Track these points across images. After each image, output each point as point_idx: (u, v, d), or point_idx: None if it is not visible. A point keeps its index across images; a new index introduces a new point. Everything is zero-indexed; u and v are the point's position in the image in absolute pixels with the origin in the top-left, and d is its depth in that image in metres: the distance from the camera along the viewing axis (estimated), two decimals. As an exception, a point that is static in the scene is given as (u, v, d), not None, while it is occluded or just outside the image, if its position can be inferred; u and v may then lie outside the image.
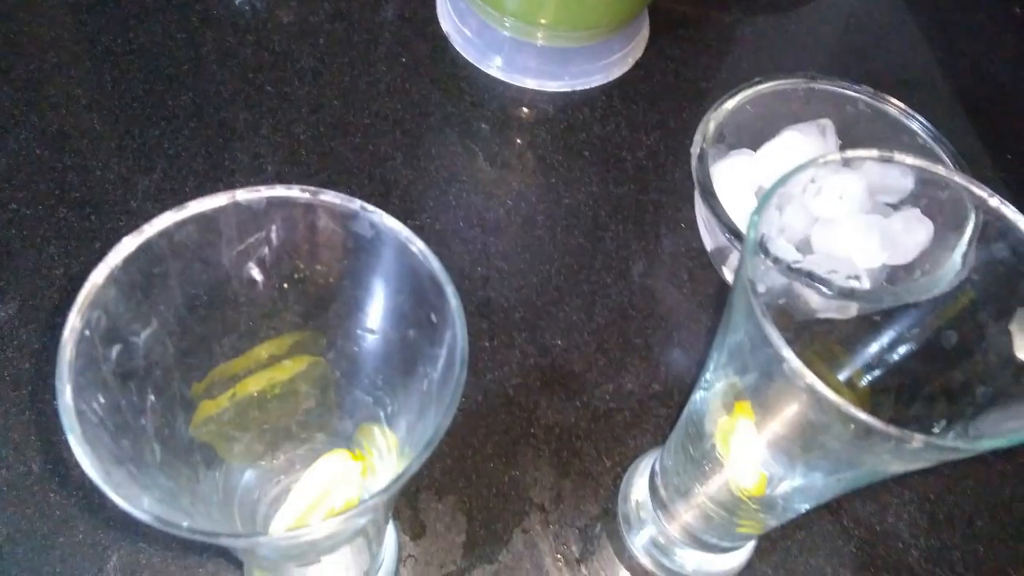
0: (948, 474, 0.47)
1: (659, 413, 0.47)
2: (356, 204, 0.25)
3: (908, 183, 0.33)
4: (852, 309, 0.37)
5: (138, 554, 0.40)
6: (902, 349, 0.32)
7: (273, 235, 0.26)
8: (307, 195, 0.25)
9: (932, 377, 0.31)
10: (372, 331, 0.28)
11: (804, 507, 0.35)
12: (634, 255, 0.52)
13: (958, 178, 0.29)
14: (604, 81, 0.59)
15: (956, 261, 0.34)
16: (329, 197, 0.25)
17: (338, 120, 0.54)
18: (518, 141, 0.56)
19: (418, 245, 0.25)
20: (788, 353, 0.24)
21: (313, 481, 0.30)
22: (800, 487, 0.34)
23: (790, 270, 0.35)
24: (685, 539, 0.41)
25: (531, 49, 0.57)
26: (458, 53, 0.58)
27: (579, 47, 0.57)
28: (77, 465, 0.41)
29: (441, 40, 0.59)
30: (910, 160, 0.29)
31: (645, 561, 0.42)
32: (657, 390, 0.47)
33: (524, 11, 0.55)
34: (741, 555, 0.43)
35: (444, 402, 0.22)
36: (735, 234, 0.45)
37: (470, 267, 0.50)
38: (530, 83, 0.58)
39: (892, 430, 0.23)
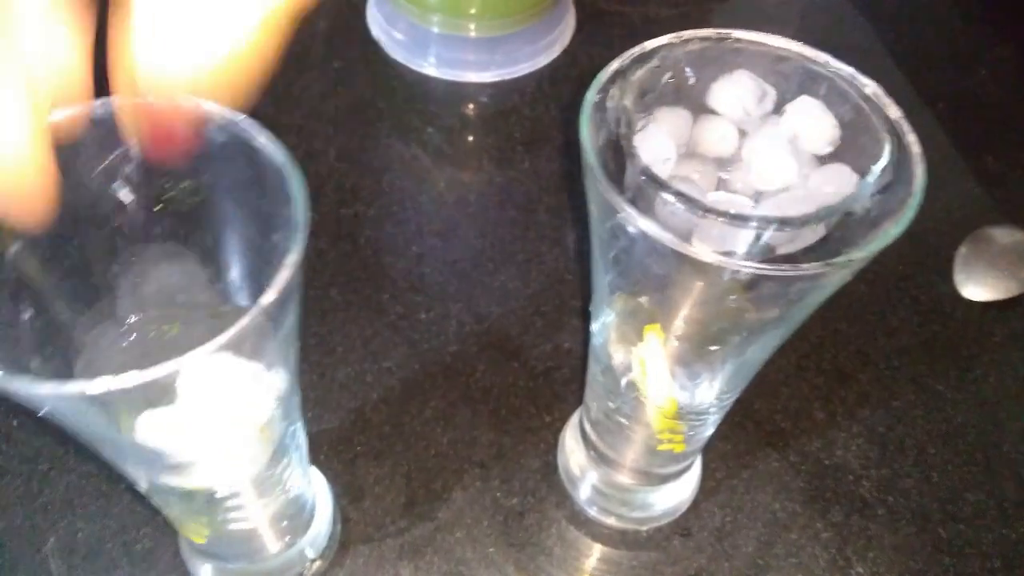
0: (896, 406, 0.47)
1: (597, 367, 0.47)
2: (204, 107, 0.26)
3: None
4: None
5: (75, 534, 0.40)
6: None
7: (132, 151, 0.27)
8: (159, 103, 0.26)
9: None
10: (244, 244, 0.29)
11: (714, 412, 0.35)
12: (568, 224, 0.53)
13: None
14: (532, 69, 0.60)
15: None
16: (178, 101, 0.26)
17: (270, 123, 0.55)
18: (450, 129, 0.58)
19: (263, 138, 0.26)
20: (619, 202, 0.25)
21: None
22: (713, 389, 0.34)
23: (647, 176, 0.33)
24: (619, 473, 0.40)
25: (460, 42, 0.59)
26: (388, 55, 0.60)
27: (508, 35, 0.59)
28: (14, 456, 0.42)
29: (372, 45, 0.61)
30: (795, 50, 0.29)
31: (590, 511, 0.42)
32: (594, 346, 0.48)
33: (453, 5, 0.57)
34: (684, 493, 0.42)
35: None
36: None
37: (404, 246, 0.51)
38: (460, 76, 0.59)
39: (714, 258, 0.23)
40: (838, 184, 0.32)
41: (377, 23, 0.61)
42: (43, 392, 0.21)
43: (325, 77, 0.59)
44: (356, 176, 0.54)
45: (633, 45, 0.31)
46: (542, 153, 0.56)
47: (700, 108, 0.34)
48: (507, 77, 0.60)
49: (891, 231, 0.24)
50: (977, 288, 0.51)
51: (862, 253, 0.24)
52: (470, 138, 0.58)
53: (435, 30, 0.59)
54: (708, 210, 0.35)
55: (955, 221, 0.54)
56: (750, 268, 0.24)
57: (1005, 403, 0.47)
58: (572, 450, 0.43)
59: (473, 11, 0.58)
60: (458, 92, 0.60)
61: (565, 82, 0.60)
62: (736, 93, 0.34)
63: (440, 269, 0.50)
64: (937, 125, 0.60)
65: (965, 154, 0.58)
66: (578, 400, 0.45)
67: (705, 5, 0.67)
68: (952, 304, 0.51)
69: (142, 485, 0.31)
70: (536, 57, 0.60)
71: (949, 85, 0.63)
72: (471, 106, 0.59)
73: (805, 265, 0.24)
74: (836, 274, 0.25)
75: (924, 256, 0.53)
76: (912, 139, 0.26)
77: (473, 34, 0.59)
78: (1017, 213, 0.54)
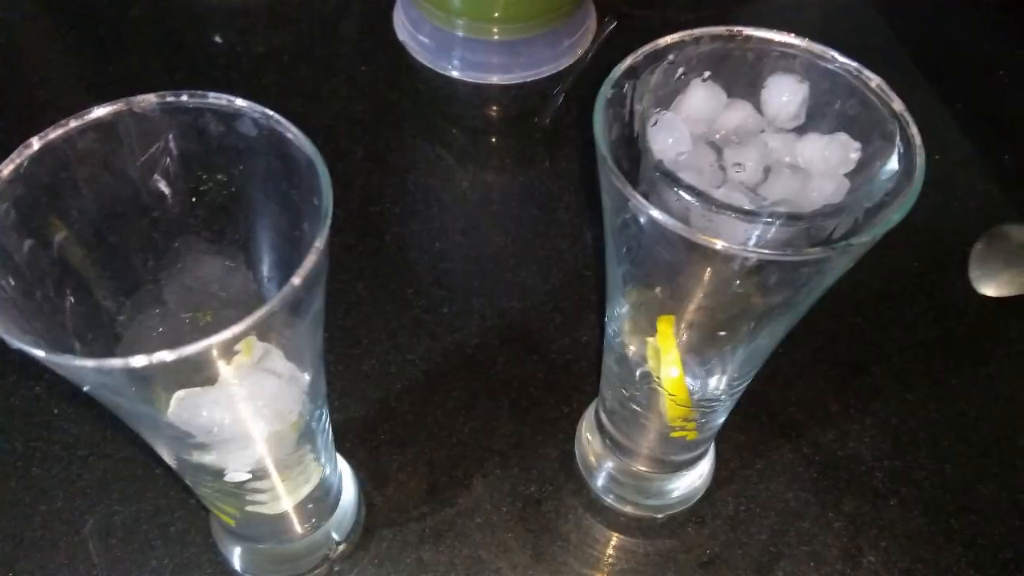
0: (910, 399, 0.47)
1: (615, 360, 0.48)
2: (238, 103, 0.28)
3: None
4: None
5: (112, 516, 0.42)
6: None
7: (172, 145, 0.29)
8: (195, 99, 0.28)
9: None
10: (274, 234, 0.30)
11: (725, 400, 0.36)
12: (587, 222, 0.54)
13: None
14: (554, 71, 0.62)
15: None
16: (213, 99, 0.28)
17: (299, 125, 0.57)
18: (473, 130, 0.59)
19: (293, 131, 0.27)
20: (629, 191, 0.26)
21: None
22: (724, 377, 0.35)
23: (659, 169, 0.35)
24: (634, 461, 0.42)
25: (483, 46, 0.60)
26: (414, 58, 0.62)
27: (530, 38, 0.60)
28: (56, 442, 0.44)
29: (398, 49, 0.63)
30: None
31: (607, 498, 0.43)
32: (612, 340, 0.49)
33: (477, 9, 0.59)
34: (698, 481, 0.43)
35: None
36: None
37: (428, 242, 0.53)
38: (484, 78, 0.61)
39: (721, 245, 0.24)
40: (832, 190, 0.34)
41: (403, 27, 0.63)
42: (86, 367, 0.23)
43: (352, 80, 0.61)
44: (382, 175, 0.56)
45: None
46: (562, 154, 0.58)
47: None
48: (529, 79, 0.61)
49: (892, 217, 0.25)
50: (992, 285, 0.51)
51: (863, 239, 0.25)
52: (493, 139, 0.59)
53: (459, 34, 0.60)
54: (719, 205, 0.37)
55: (971, 219, 0.55)
56: (755, 254, 0.25)
57: (1019, 397, 0.47)
58: (589, 440, 0.44)
59: (497, 15, 0.59)
60: (481, 94, 0.61)
61: (585, 83, 0.62)
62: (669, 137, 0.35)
63: (463, 265, 0.52)
64: (955, 125, 0.60)
65: (983, 153, 0.59)
66: (595, 391, 0.47)
67: (725, 9, 0.69)
68: (967, 300, 0.51)
69: (174, 463, 0.32)
70: (558, 60, 0.62)
71: (968, 86, 0.64)
72: (494, 108, 0.61)
73: (809, 250, 0.25)
74: (839, 259, 0.26)
75: (940, 252, 0.53)
76: (914, 131, 0.27)
77: (496, 37, 0.60)
78: (1034, 211, 0.55)
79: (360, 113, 0.59)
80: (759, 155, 0.35)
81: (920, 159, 0.27)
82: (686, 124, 0.36)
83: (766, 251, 0.25)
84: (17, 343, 0.22)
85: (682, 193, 0.38)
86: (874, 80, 0.29)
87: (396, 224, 0.53)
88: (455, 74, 0.61)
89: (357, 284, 0.50)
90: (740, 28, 0.31)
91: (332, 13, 0.66)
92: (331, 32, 0.64)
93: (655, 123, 0.35)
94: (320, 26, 0.65)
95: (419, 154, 0.57)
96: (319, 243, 0.25)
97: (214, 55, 0.63)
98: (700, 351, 0.35)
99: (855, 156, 0.33)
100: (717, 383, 0.36)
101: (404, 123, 0.59)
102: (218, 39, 0.64)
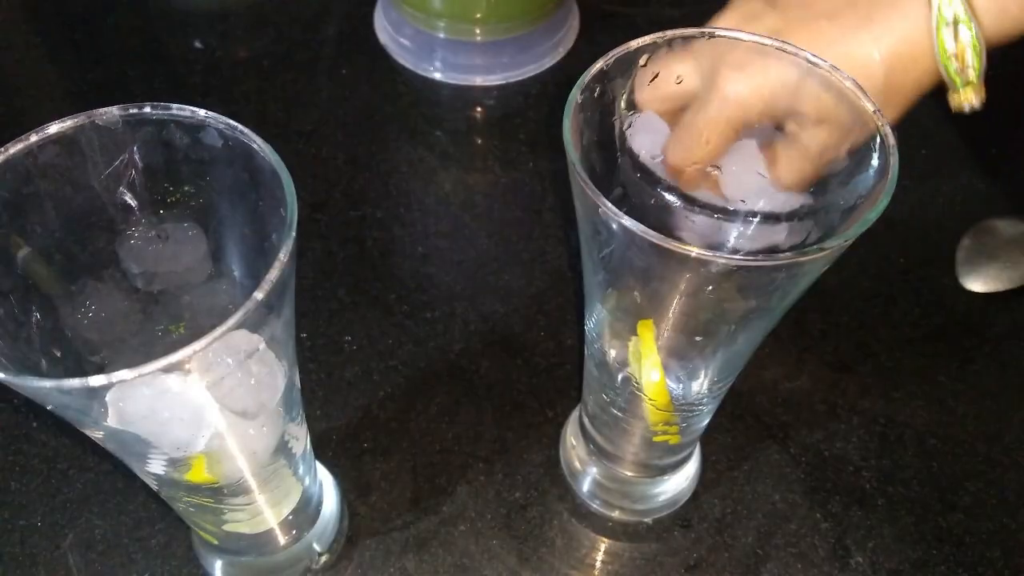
0: (897, 397, 0.47)
1: (599, 363, 0.48)
2: (201, 114, 0.27)
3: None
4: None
5: (93, 530, 0.41)
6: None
7: (136, 157, 0.28)
8: (159, 111, 0.28)
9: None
10: (243, 245, 0.30)
11: (707, 403, 0.36)
12: (571, 223, 0.54)
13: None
14: (537, 71, 0.61)
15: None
16: (176, 110, 0.27)
17: (281, 129, 0.57)
18: (456, 132, 0.59)
19: (258, 142, 0.27)
20: (601, 200, 0.25)
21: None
22: (704, 380, 0.35)
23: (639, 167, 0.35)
24: (618, 466, 0.41)
25: (466, 47, 0.60)
26: (396, 61, 0.62)
27: (512, 39, 0.60)
28: (34, 456, 0.44)
29: (380, 51, 0.62)
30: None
31: (592, 503, 0.43)
32: (597, 342, 0.48)
33: (460, 10, 0.58)
34: (683, 484, 0.43)
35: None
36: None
37: (410, 247, 0.52)
38: (466, 80, 0.60)
39: (690, 250, 0.24)
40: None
41: (384, 30, 0.63)
42: (44, 387, 0.22)
43: (334, 83, 0.60)
44: (364, 179, 0.55)
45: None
46: (547, 154, 0.57)
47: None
48: (512, 80, 0.61)
49: (867, 217, 0.25)
50: (979, 280, 0.51)
51: (836, 241, 0.25)
52: (476, 140, 0.59)
53: (441, 35, 0.60)
54: (701, 205, 0.36)
55: (958, 213, 0.54)
56: (725, 260, 0.24)
57: (1006, 394, 0.47)
58: (573, 444, 0.44)
59: (478, 15, 0.59)
60: (464, 95, 0.61)
61: (570, 84, 0.61)
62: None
63: (446, 269, 0.51)
64: (941, 118, 0.60)
65: (970, 146, 0.58)
66: (579, 396, 0.46)
67: (707, 6, 0.68)
68: (954, 296, 0.51)
69: (151, 480, 0.32)
70: (541, 60, 0.61)
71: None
72: (477, 109, 0.60)
73: (780, 255, 0.25)
74: (813, 263, 0.25)
75: (927, 248, 0.53)
76: (888, 130, 0.27)
77: (478, 38, 0.60)
78: (1022, 204, 0.54)
79: (342, 117, 0.59)
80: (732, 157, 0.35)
81: (894, 159, 0.26)
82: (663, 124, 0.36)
83: (736, 257, 0.25)
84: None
85: (662, 193, 0.38)
86: (848, 80, 0.28)
87: (378, 228, 0.53)
88: (437, 76, 0.61)
89: (339, 290, 0.50)
90: (713, 28, 0.30)
91: (312, 16, 0.65)
92: (311, 35, 0.64)
93: (630, 125, 0.35)
94: (300, 30, 0.64)
95: (402, 157, 0.57)
96: (283, 255, 0.24)
97: (193, 60, 0.62)
98: (680, 355, 0.34)
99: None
100: (698, 386, 0.35)
101: (386, 126, 0.58)
102: (198, 44, 0.63)
